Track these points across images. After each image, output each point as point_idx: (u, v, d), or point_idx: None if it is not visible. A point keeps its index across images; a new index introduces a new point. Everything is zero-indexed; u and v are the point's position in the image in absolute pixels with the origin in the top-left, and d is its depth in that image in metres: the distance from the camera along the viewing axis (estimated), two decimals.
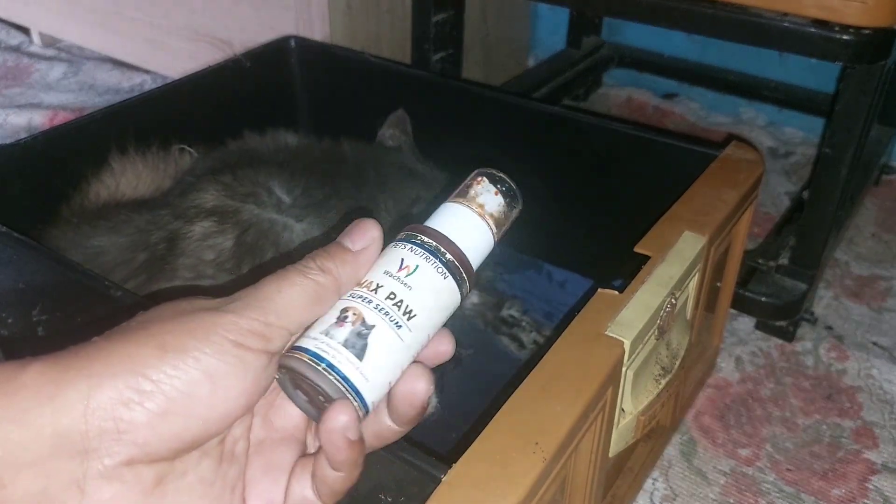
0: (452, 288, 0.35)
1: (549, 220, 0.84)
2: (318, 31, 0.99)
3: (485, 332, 0.77)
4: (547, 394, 0.43)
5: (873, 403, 0.76)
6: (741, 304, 0.83)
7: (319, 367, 0.32)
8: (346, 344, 0.33)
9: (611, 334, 0.47)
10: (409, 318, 0.34)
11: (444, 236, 0.36)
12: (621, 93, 1.36)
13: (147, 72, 1.34)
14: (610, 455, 0.51)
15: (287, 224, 0.60)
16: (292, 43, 0.87)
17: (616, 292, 0.50)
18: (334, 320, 0.33)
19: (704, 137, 1.21)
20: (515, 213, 0.38)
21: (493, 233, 0.37)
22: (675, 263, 0.54)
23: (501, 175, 0.38)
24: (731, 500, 0.67)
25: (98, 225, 0.61)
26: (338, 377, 0.32)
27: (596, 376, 0.44)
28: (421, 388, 0.33)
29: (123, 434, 0.27)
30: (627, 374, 0.49)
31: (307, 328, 0.34)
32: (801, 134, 1.24)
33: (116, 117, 0.72)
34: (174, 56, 1.20)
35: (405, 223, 0.37)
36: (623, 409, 0.51)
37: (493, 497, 0.37)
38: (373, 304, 0.34)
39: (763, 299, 0.82)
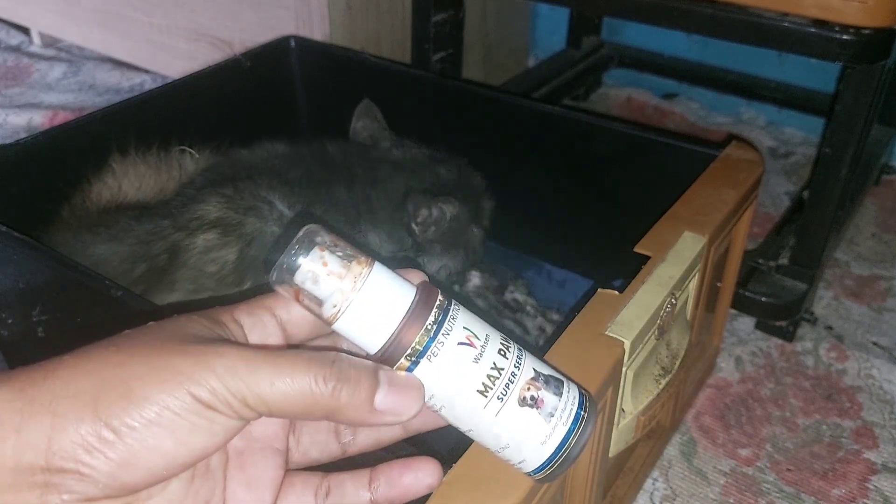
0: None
1: (549, 220, 0.84)
2: (318, 31, 0.99)
3: (488, 315, 0.76)
4: None
5: (873, 403, 0.76)
6: (741, 304, 0.83)
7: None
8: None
9: (611, 334, 0.47)
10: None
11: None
12: (621, 93, 1.36)
13: (147, 72, 1.34)
14: (610, 455, 0.51)
15: None
16: (292, 43, 0.87)
17: (616, 292, 0.50)
18: (532, 410, 0.33)
19: (704, 137, 1.21)
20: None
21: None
22: (675, 263, 0.54)
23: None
24: (731, 500, 0.67)
25: (99, 232, 0.61)
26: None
27: (596, 376, 0.44)
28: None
29: (85, 477, 0.27)
30: (627, 374, 0.49)
31: (513, 450, 0.33)
32: (801, 134, 1.24)
33: (116, 117, 0.72)
34: (174, 56, 1.20)
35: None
36: (623, 409, 0.51)
37: (493, 497, 0.37)
38: (523, 367, 0.33)
39: (763, 299, 0.82)
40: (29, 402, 0.27)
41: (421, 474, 0.33)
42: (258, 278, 0.57)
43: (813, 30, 0.70)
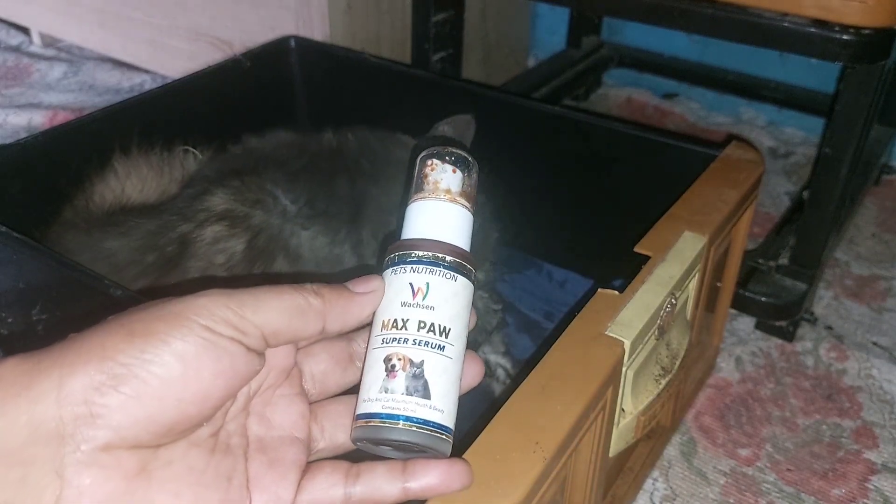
0: (465, 284, 0.35)
1: (549, 220, 0.84)
2: (318, 31, 0.99)
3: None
4: (547, 394, 0.43)
5: (873, 403, 0.76)
6: (741, 304, 0.83)
7: (399, 426, 0.32)
8: (408, 391, 0.33)
9: (611, 334, 0.47)
10: (446, 336, 0.34)
11: (434, 241, 0.35)
12: (621, 93, 1.36)
13: (147, 72, 1.34)
14: (610, 455, 0.51)
15: (294, 231, 0.60)
16: (292, 43, 0.87)
17: (616, 292, 0.50)
18: (384, 374, 0.33)
19: (704, 137, 1.21)
20: (476, 175, 0.37)
21: (469, 209, 0.37)
22: (675, 263, 0.54)
23: (448, 149, 0.37)
24: (731, 500, 0.67)
25: (108, 231, 0.61)
26: (418, 426, 0.33)
27: (596, 376, 0.44)
28: None
29: (98, 418, 0.27)
30: (627, 374, 0.49)
31: (361, 389, 0.34)
32: (801, 134, 1.24)
33: (117, 117, 0.72)
34: (174, 56, 1.20)
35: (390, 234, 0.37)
36: (623, 409, 0.51)
37: (493, 496, 0.37)
38: (410, 341, 0.34)
39: (763, 299, 0.82)
40: (37, 362, 0.28)
41: (454, 472, 0.34)
42: (267, 268, 0.58)
43: (813, 30, 0.70)
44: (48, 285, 0.57)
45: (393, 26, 1.07)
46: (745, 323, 0.86)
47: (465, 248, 0.36)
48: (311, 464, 0.34)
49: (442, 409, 0.33)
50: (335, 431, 0.35)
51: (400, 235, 0.37)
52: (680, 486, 0.68)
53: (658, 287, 0.51)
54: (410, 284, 0.34)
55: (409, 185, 0.37)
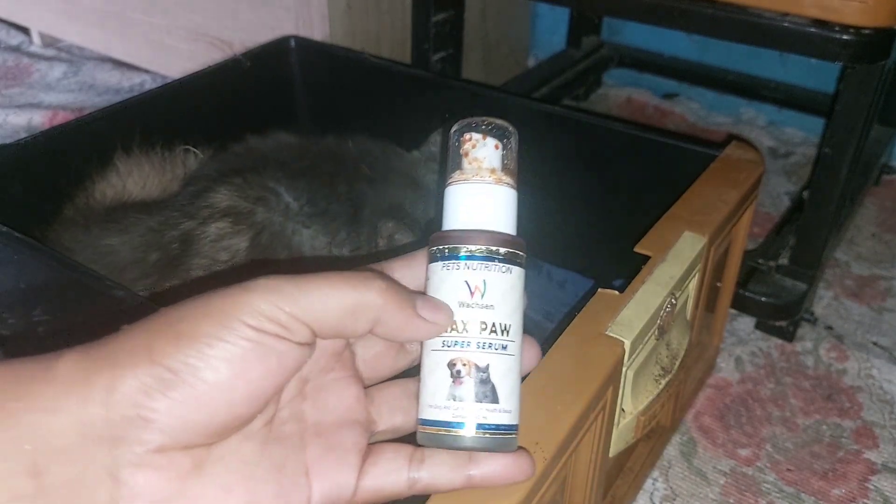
0: (519, 273, 0.34)
1: (549, 220, 0.84)
2: (318, 31, 0.99)
3: None
4: (547, 394, 0.43)
5: (873, 403, 0.76)
6: (741, 304, 0.83)
7: (471, 434, 0.32)
8: (477, 397, 0.32)
9: (611, 334, 0.47)
10: (507, 334, 0.33)
11: (486, 232, 0.34)
12: (621, 93, 1.36)
13: (147, 72, 1.34)
14: (610, 455, 0.51)
15: (296, 228, 0.60)
16: (292, 43, 0.87)
17: (616, 292, 0.50)
18: (450, 380, 0.33)
19: (704, 137, 1.21)
20: (516, 142, 0.35)
21: (513, 186, 0.35)
22: (675, 263, 0.54)
23: (486, 120, 0.35)
24: (731, 500, 0.67)
25: (108, 227, 0.61)
26: (490, 431, 0.32)
27: (596, 376, 0.44)
28: None
29: (149, 422, 0.27)
30: (627, 374, 0.49)
31: (424, 392, 0.33)
32: (801, 134, 1.24)
33: (116, 117, 0.72)
34: (174, 56, 1.20)
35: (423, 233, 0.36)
36: (623, 409, 0.51)
37: (494, 496, 0.37)
38: (473, 345, 0.33)
39: (763, 299, 0.82)
40: (91, 361, 0.28)
41: (519, 462, 0.33)
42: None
43: (813, 30, 0.70)
44: (49, 286, 0.57)
45: (393, 26, 1.07)
46: (745, 323, 0.86)
47: (513, 232, 0.35)
48: (372, 446, 0.34)
49: (510, 408, 0.33)
50: (393, 414, 0.35)
51: (442, 219, 0.35)
52: (680, 486, 0.68)
53: (658, 287, 0.51)
54: (466, 283, 0.33)
55: (445, 161, 0.35)
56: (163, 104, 0.76)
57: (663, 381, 0.54)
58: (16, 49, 1.46)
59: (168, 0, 1.15)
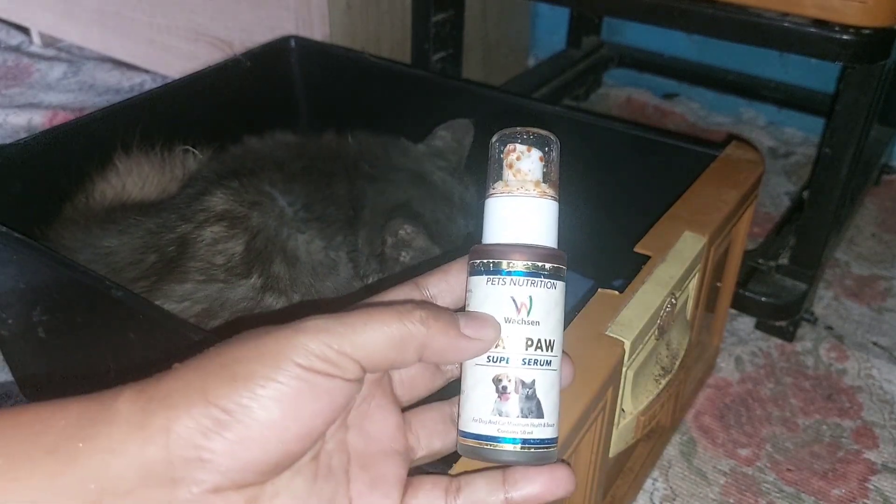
0: (562, 288, 0.34)
1: None
2: (318, 31, 0.99)
3: None
4: None
5: (873, 403, 0.76)
6: (741, 304, 0.83)
7: (517, 449, 0.32)
8: (522, 413, 0.33)
9: (611, 334, 0.47)
10: (551, 350, 0.33)
11: (532, 247, 0.34)
12: (621, 93, 1.36)
13: (147, 72, 1.34)
14: (610, 455, 0.51)
15: (291, 234, 0.60)
16: (292, 43, 0.87)
17: (616, 292, 0.50)
18: (496, 395, 0.33)
19: (704, 137, 1.21)
20: (557, 152, 0.35)
21: (556, 198, 0.35)
22: (675, 263, 0.54)
23: (529, 130, 0.34)
24: (731, 500, 0.67)
25: (107, 228, 0.61)
26: (535, 446, 0.33)
27: (596, 376, 0.44)
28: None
29: (206, 463, 0.28)
30: (627, 374, 0.49)
31: (466, 405, 0.34)
32: (801, 134, 1.25)
33: (117, 117, 0.72)
34: (174, 56, 1.20)
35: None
36: (623, 409, 0.51)
37: None
38: (519, 361, 0.33)
39: (763, 299, 0.82)
40: (148, 401, 0.28)
41: (557, 477, 0.34)
42: (265, 270, 0.58)
43: (813, 30, 0.70)
44: (49, 286, 0.57)
45: (393, 26, 1.07)
46: (745, 323, 0.86)
47: (555, 246, 0.35)
48: (412, 479, 0.34)
49: (553, 422, 0.33)
50: (431, 440, 0.36)
51: (483, 230, 0.35)
52: (680, 486, 0.68)
53: (658, 287, 0.51)
54: (513, 299, 0.33)
55: (487, 170, 0.34)
56: (163, 104, 0.76)
57: (663, 381, 0.54)
58: (16, 49, 1.46)
59: (168, 0, 1.15)
